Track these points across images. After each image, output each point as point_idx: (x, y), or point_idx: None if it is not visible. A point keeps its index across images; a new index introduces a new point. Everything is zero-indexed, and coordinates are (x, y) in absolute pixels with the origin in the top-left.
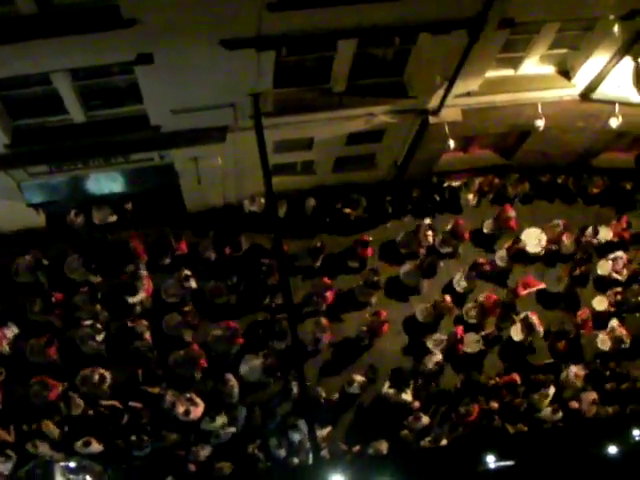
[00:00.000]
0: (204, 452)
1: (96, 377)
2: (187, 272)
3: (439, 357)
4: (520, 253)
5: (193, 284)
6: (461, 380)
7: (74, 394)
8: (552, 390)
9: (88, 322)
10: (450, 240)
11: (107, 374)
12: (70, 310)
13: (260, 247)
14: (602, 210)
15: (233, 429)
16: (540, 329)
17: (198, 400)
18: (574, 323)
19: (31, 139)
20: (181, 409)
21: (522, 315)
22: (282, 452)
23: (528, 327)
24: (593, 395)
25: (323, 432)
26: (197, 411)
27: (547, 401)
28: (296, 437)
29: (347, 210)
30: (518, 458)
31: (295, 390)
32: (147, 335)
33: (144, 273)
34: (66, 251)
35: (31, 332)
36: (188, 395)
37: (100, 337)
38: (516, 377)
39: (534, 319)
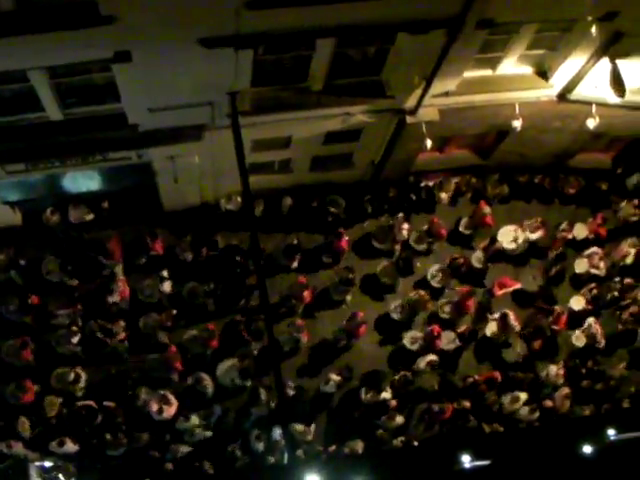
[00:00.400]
0: (183, 449)
1: (71, 376)
2: (164, 274)
3: (432, 357)
4: (497, 254)
5: (168, 288)
6: (437, 380)
7: (50, 396)
8: (524, 396)
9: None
10: (426, 238)
11: (82, 373)
12: (46, 313)
13: (237, 247)
14: (578, 210)
15: (209, 432)
16: (516, 324)
17: (172, 398)
18: (549, 321)
19: (7, 137)
20: (155, 407)
21: (496, 314)
22: (260, 446)
23: (504, 324)
24: (566, 390)
25: (310, 428)
26: (170, 410)
27: (519, 405)
28: (276, 433)
29: (333, 210)
30: (494, 458)
31: (263, 397)
32: (123, 336)
33: (120, 276)
34: (42, 250)
35: (6, 332)
36: (162, 392)
37: (76, 339)
38: (497, 374)
39: (510, 316)
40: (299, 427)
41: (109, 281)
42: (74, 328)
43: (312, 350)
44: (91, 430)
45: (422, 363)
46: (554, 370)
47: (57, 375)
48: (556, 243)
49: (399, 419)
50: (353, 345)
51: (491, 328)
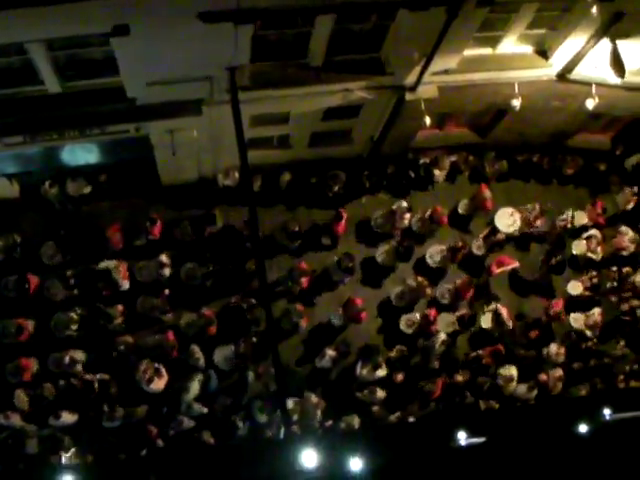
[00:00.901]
0: (188, 423)
1: (67, 359)
2: (164, 259)
3: (444, 336)
4: (497, 244)
5: (167, 272)
6: (437, 357)
7: (47, 383)
8: (515, 373)
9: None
10: (427, 225)
11: (79, 355)
12: (44, 294)
13: (234, 227)
14: (576, 191)
15: (205, 409)
16: (509, 323)
17: (164, 372)
18: (547, 312)
19: (5, 109)
20: (146, 375)
21: (491, 306)
22: (263, 418)
23: (497, 320)
24: (559, 372)
25: (314, 399)
26: (160, 383)
27: (513, 385)
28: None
29: (336, 188)
30: (489, 435)
31: (250, 379)
32: (120, 320)
33: (118, 264)
34: (40, 226)
35: (4, 311)
36: (157, 365)
37: (75, 326)
38: (501, 347)
39: (504, 313)
40: (314, 399)
41: (111, 272)
42: (73, 316)
43: (310, 331)
44: (88, 402)
45: (437, 344)
46: (554, 349)
47: (53, 359)
48: (555, 231)
49: (380, 393)
50: (351, 326)
51: (487, 321)
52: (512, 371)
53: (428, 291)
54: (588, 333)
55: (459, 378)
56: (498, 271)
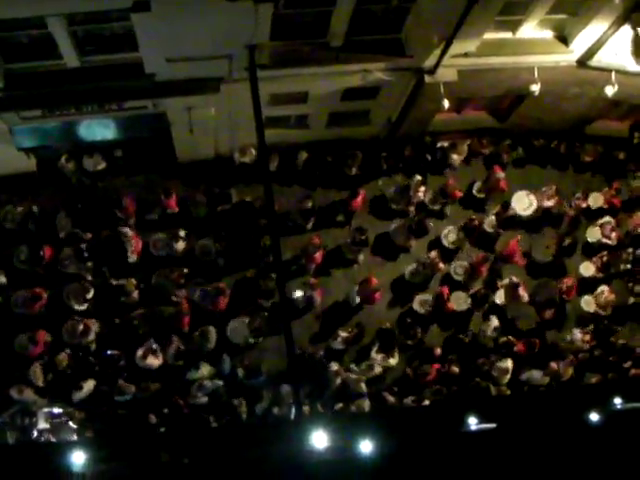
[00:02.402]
0: (201, 400)
1: (80, 327)
2: (180, 233)
3: (496, 322)
4: (510, 219)
5: (181, 246)
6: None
7: (62, 353)
8: (511, 365)
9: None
10: (440, 199)
11: (92, 325)
12: (58, 264)
13: (250, 203)
14: (593, 178)
15: (220, 382)
16: (525, 295)
17: (160, 354)
18: (559, 290)
19: (24, 83)
20: (140, 352)
21: (506, 280)
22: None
23: (514, 294)
24: (570, 357)
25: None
26: (154, 361)
27: (507, 377)
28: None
29: (353, 169)
30: (500, 421)
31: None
32: (135, 294)
33: (131, 232)
34: (56, 198)
35: (17, 282)
36: (154, 346)
37: (89, 295)
38: (537, 340)
39: (521, 286)
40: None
41: (123, 239)
42: (86, 285)
43: (324, 311)
44: (101, 376)
45: (489, 330)
46: (579, 335)
47: (67, 327)
48: (570, 211)
49: (378, 369)
50: (365, 307)
51: (501, 296)
52: (508, 364)
53: (441, 266)
54: (602, 312)
55: (455, 369)
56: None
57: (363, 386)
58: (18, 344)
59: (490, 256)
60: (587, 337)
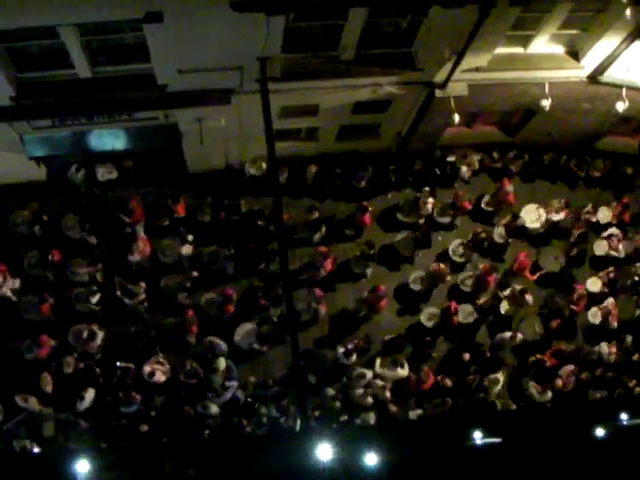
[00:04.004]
0: (214, 408)
1: (85, 333)
2: (188, 238)
3: (520, 336)
4: (518, 230)
5: (188, 251)
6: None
7: (69, 356)
8: (502, 377)
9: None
10: (450, 211)
11: (98, 331)
12: (66, 269)
13: (259, 212)
14: (602, 193)
15: (235, 383)
16: (529, 299)
17: (167, 368)
18: (568, 300)
19: (36, 92)
20: (147, 369)
21: (507, 291)
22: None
23: (520, 299)
24: (571, 367)
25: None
26: (162, 377)
27: (497, 387)
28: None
29: (363, 182)
30: (505, 436)
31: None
32: (143, 297)
33: (141, 234)
34: (65, 207)
35: (27, 286)
36: (161, 359)
37: (95, 299)
38: (563, 346)
39: (524, 292)
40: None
41: (130, 239)
42: (94, 287)
43: (331, 320)
44: (105, 387)
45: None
46: (606, 348)
47: (73, 331)
48: (579, 224)
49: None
50: (372, 317)
51: (504, 306)
52: (498, 375)
53: (448, 277)
54: (614, 324)
55: (448, 383)
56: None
57: (370, 399)
58: (23, 348)
59: (498, 267)
60: (613, 349)
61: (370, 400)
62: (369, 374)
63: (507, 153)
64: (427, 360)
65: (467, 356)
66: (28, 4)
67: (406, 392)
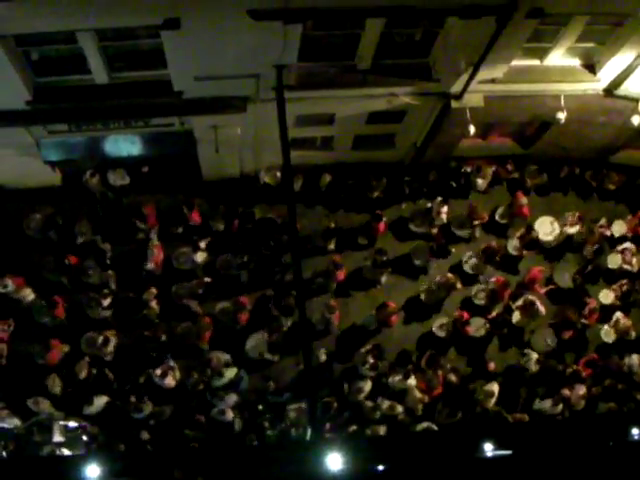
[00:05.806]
0: (231, 400)
1: (100, 339)
2: (202, 245)
3: (536, 355)
4: (533, 242)
5: (201, 258)
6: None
7: (82, 361)
8: (497, 389)
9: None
10: (467, 222)
11: (112, 337)
12: (80, 273)
13: (273, 220)
14: (617, 207)
15: (245, 382)
16: (542, 309)
17: (177, 373)
18: (581, 314)
19: (52, 97)
20: (159, 371)
21: (519, 302)
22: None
23: (532, 309)
24: (583, 389)
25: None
26: (171, 380)
27: (493, 400)
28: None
29: (376, 192)
30: (515, 448)
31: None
32: (154, 304)
33: (155, 241)
34: (80, 212)
35: (42, 291)
36: (172, 363)
37: (106, 302)
38: (594, 355)
39: (536, 302)
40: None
41: (144, 246)
42: (105, 291)
43: (343, 332)
44: (117, 392)
45: (531, 364)
46: (637, 360)
47: (86, 339)
48: (594, 238)
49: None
50: (383, 329)
51: (516, 316)
52: (493, 387)
53: (458, 285)
54: (628, 337)
55: (453, 378)
56: (542, 291)
57: (379, 413)
58: (35, 352)
59: (510, 279)
60: None
61: (379, 414)
62: (367, 387)
63: (527, 166)
64: (437, 368)
65: (492, 365)
66: (47, 9)
67: (416, 402)
